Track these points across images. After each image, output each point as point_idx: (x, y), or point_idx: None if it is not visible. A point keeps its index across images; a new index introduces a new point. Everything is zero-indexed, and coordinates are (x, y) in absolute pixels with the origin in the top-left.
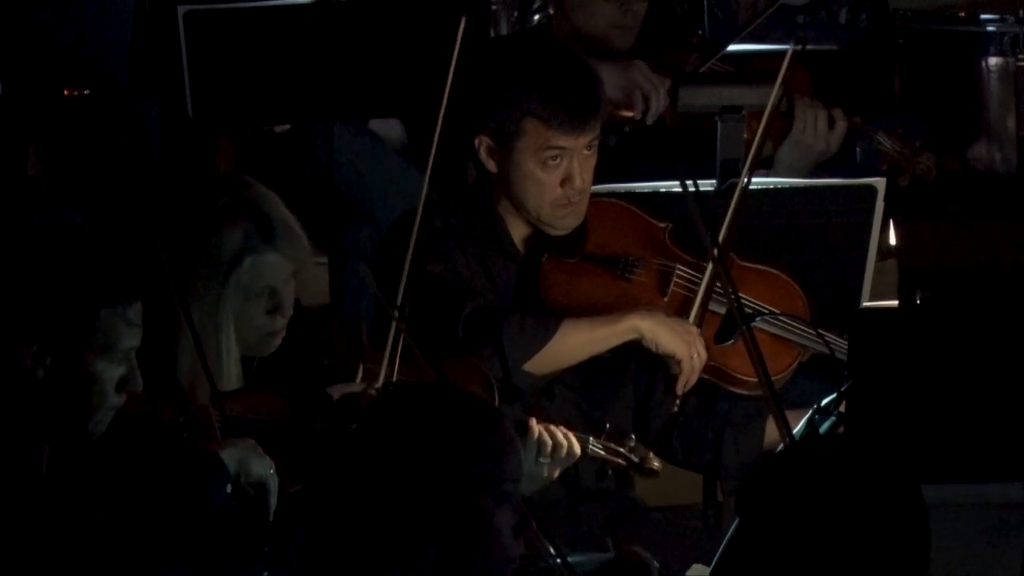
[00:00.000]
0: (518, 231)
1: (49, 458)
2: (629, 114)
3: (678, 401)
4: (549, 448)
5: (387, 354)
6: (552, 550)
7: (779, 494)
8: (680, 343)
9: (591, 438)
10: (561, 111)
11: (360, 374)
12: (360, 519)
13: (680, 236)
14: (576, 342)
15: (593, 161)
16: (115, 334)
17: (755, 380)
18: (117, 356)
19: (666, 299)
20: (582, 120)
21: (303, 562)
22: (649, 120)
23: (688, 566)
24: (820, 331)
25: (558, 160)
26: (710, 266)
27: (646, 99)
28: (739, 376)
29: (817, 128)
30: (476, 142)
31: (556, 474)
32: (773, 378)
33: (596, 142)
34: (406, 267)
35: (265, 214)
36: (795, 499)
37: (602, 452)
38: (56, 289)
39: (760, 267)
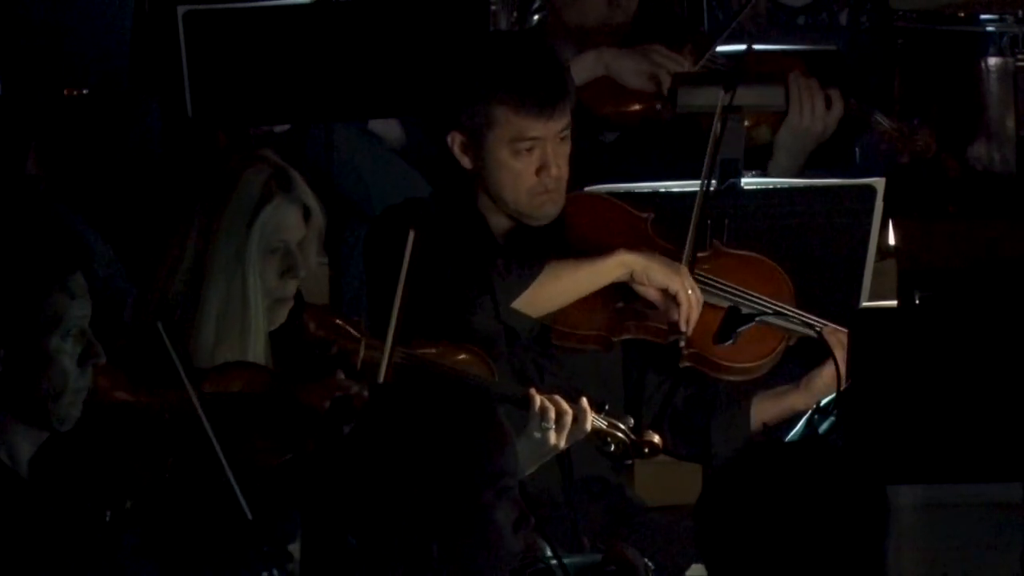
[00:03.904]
0: (498, 227)
1: (32, 457)
2: (649, 102)
3: (682, 340)
4: (552, 413)
5: (390, 333)
6: (548, 549)
7: (731, 507)
8: (673, 275)
9: (593, 412)
10: (529, 95)
11: (362, 353)
12: (361, 518)
13: (662, 226)
14: (565, 281)
15: (567, 149)
16: (60, 307)
17: (741, 366)
18: (71, 330)
19: None
20: (551, 105)
21: (305, 561)
22: None
23: (688, 566)
24: (806, 315)
25: (532, 149)
26: (689, 236)
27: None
28: (724, 363)
29: (815, 109)
30: (448, 139)
31: (563, 444)
32: (759, 362)
33: (568, 130)
34: (405, 261)
35: (281, 166)
36: (748, 511)
37: (603, 425)
38: None
39: (743, 253)
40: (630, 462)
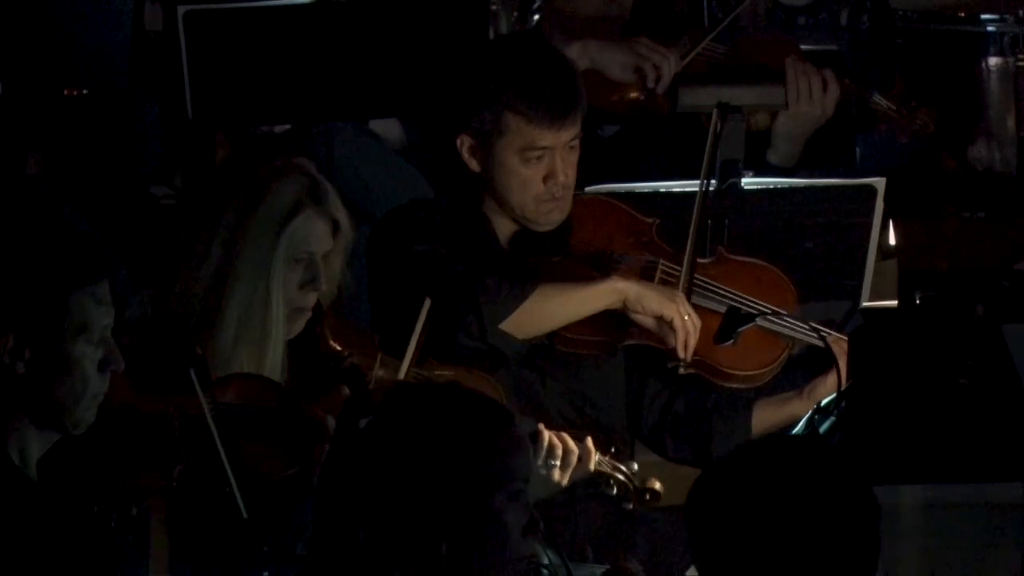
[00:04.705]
0: (503, 230)
1: (40, 458)
2: (635, 95)
3: (681, 366)
4: (560, 451)
5: (411, 348)
6: (557, 556)
7: (723, 505)
8: (667, 302)
9: (598, 453)
10: (542, 106)
11: (375, 370)
12: (371, 515)
13: (667, 231)
14: (554, 304)
15: (576, 156)
16: (87, 314)
17: (744, 373)
18: (94, 337)
19: None
20: (562, 115)
21: (312, 559)
22: (660, 90)
23: (688, 566)
24: (811, 323)
25: (541, 157)
26: (688, 251)
27: (657, 69)
28: (727, 370)
29: (812, 93)
30: (458, 141)
31: (567, 480)
32: (762, 370)
33: (578, 139)
34: (419, 326)
35: (316, 178)
36: (739, 508)
37: (607, 468)
38: (23, 278)
39: (749, 260)
40: (630, 506)
